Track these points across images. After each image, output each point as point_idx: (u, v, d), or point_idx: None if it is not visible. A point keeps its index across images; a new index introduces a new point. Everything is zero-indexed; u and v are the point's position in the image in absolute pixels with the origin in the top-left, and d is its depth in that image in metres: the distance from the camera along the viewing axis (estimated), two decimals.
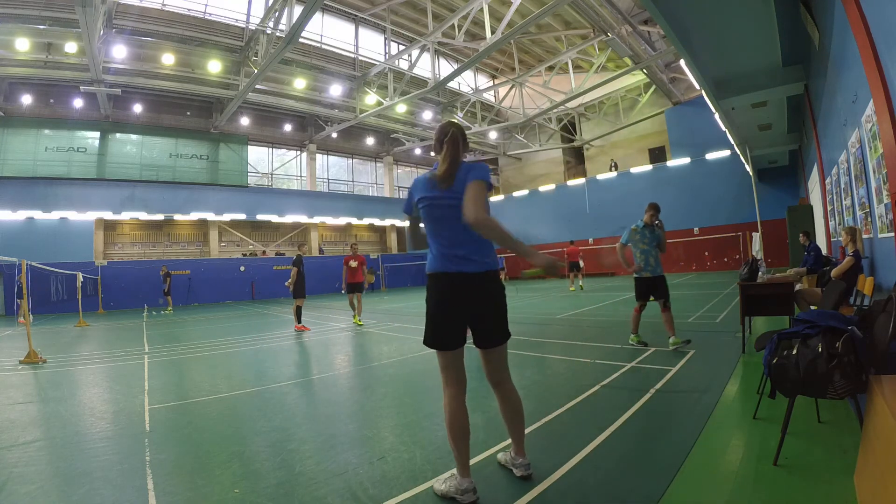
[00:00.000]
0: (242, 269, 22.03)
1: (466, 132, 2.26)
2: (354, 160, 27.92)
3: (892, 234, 4.10)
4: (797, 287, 5.51)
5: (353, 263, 9.30)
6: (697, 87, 11.16)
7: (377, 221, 27.22)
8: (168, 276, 16.18)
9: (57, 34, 15.00)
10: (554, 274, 2.00)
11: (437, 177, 2.11)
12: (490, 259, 2.14)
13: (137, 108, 19.58)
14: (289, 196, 23.96)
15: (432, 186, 2.13)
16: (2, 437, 3.16)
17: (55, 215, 18.08)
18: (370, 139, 27.05)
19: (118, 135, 19.68)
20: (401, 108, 22.30)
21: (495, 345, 2.16)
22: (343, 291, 9.47)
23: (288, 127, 24.08)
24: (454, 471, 2.07)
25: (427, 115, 25.07)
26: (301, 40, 16.84)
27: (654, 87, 22.65)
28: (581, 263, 15.75)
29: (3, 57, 15.14)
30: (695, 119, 21.21)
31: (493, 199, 27.13)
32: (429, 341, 2.13)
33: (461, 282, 2.08)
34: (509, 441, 2.32)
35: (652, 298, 5.18)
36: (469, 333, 2.17)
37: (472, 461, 2.35)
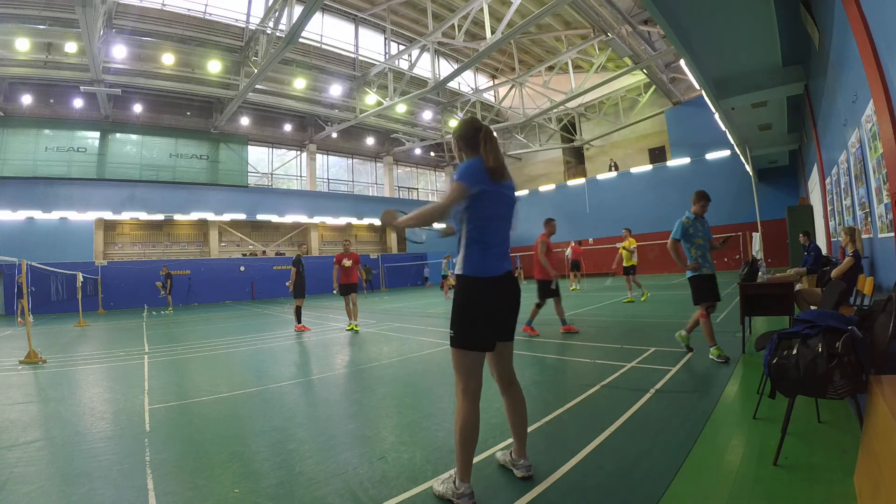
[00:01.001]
0: (242, 269, 22.02)
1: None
2: (354, 160, 27.91)
3: (892, 234, 4.10)
4: (797, 287, 5.50)
5: (347, 262, 8.47)
6: (697, 87, 11.17)
7: (377, 221, 27.11)
8: (169, 277, 16.19)
9: (57, 34, 15.00)
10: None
11: (494, 169, 2.05)
12: (510, 259, 2.21)
13: (137, 108, 19.58)
14: (289, 196, 23.95)
15: (490, 179, 2.05)
16: (2, 437, 3.16)
17: (55, 215, 18.08)
18: (370, 139, 27.04)
19: (118, 135, 19.67)
20: (401, 108, 22.30)
21: (512, 338, 2.22)
22: (335, 292, 8.70)
23: (288, 127, 24.07)
24: (453, 471, 2.07)
25: (427, 115, 25.07)
26: (301, 40, 16.84)
27: (654, 87, 22.65)
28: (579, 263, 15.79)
29: (3, 57, 15.14)
30: (695, 119, 21.22)
31: None
32: (470, 342, 2.04)
33: (506, 281, 2.11)
34: (509, 441, 2.32)
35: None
36: None
37: (475, 461, 2.36)
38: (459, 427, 2.00)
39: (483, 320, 2.05)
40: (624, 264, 10.95)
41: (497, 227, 2.11)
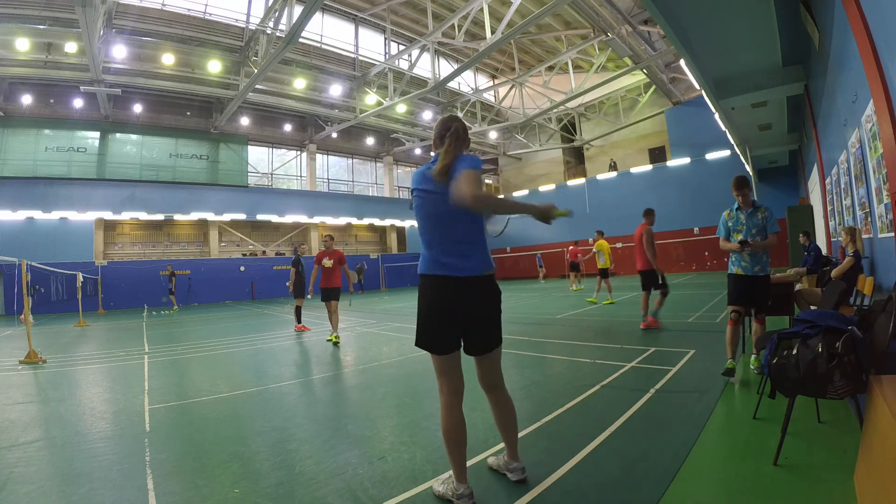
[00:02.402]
0: (242, 269, 22.04)
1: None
2: (354, 160, 27.91)
3: (892, 234, 4.10)
4: (797, 287, 5.50)
5: (328, 262, 7.12)
6: (697, 87, 11.18)
7: (377, 221, 27.22)
8: (173, 276, 16.20)
9: (57, 34, 14.99)
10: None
11: (436, 171, 1.95)
12: (485, 261, 2.04)
13: (137, 108, 19.58)
14: (289, 196, 23.95)
15: (428, 180, 2.00)
16: (2, 437, 3.16)
17: (55, 215, 18.08)
18: (370, 139, 27.05)
19: (118, 135, 19.68)
20: (401, 108, 22.29)
21: (487, 351, 2.09)
22: (309, 296, 7.60)
23: (288, 127, 24.08)
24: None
25: (427, 115, 25.07)
26: (301, 40, 16.83)
27: (654, 87, 22.65)
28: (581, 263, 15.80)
29: (3, 57, 15.13)
30: (695, 119, 21.21)
31: None
32: (421, 343, 2.06)
33: (457, 285, 1.97)
34: (503, 444, 2.30)
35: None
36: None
37: (473, 461, 2.35)
38: (442, 429, 2.00)
39: (430, 320, 2.01)
40: (598, 266, 11.37)
41: (442, 225, 2.01)
